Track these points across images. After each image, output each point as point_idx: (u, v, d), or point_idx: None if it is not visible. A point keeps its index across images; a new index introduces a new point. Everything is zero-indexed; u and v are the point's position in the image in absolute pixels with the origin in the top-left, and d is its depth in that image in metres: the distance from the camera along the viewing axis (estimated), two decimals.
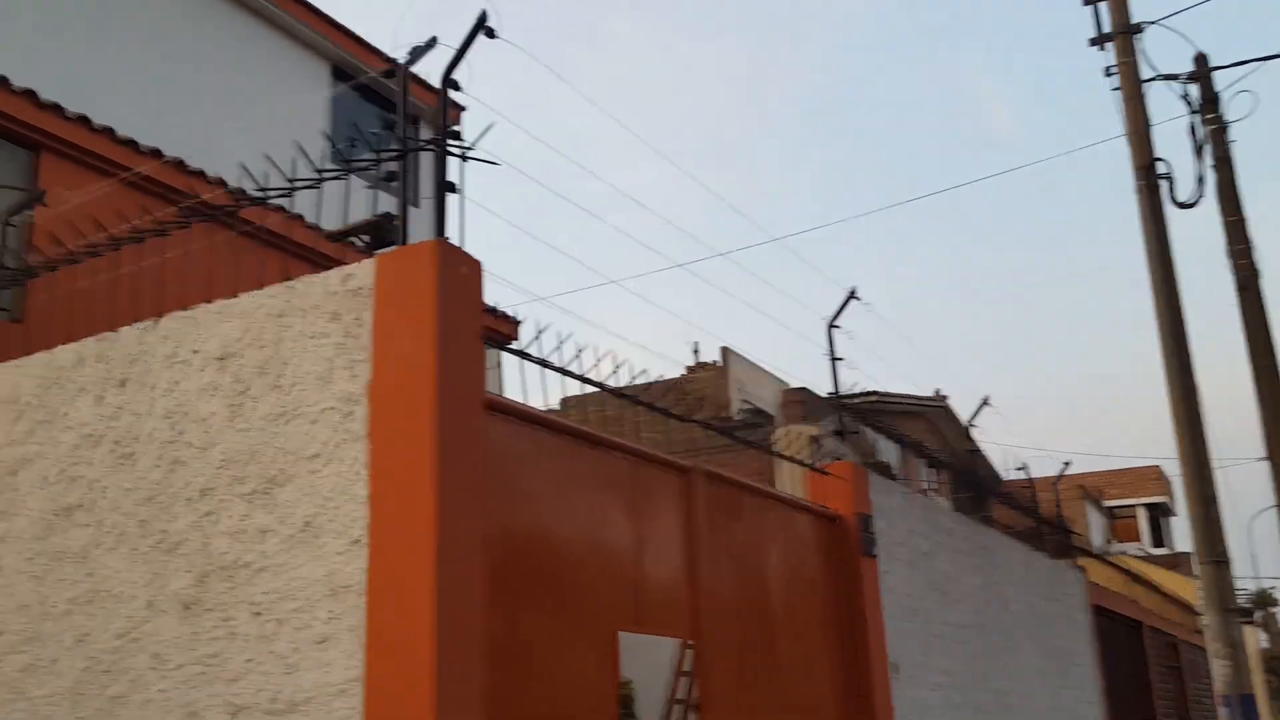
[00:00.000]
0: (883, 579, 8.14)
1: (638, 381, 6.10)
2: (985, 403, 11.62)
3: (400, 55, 4.88)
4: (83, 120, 9.55)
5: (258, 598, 4.62)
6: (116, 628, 4.97)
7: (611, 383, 5.80)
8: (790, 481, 8.58)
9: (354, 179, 5.10)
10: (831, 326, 8.11)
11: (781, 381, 22.20)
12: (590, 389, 5.69)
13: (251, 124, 12.67)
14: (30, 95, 9.19)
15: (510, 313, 10.49)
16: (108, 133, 9.72)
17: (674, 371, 24.03)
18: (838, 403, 8.26)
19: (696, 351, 25.07)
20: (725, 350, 22.56)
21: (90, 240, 5.71)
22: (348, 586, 4.40)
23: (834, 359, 8.10)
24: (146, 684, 4.81)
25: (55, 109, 9.35)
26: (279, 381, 4.82)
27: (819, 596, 7.52)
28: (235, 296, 5.05)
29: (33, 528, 5.39)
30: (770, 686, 6.73)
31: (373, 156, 4.84)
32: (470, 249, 4.72)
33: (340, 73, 14.41)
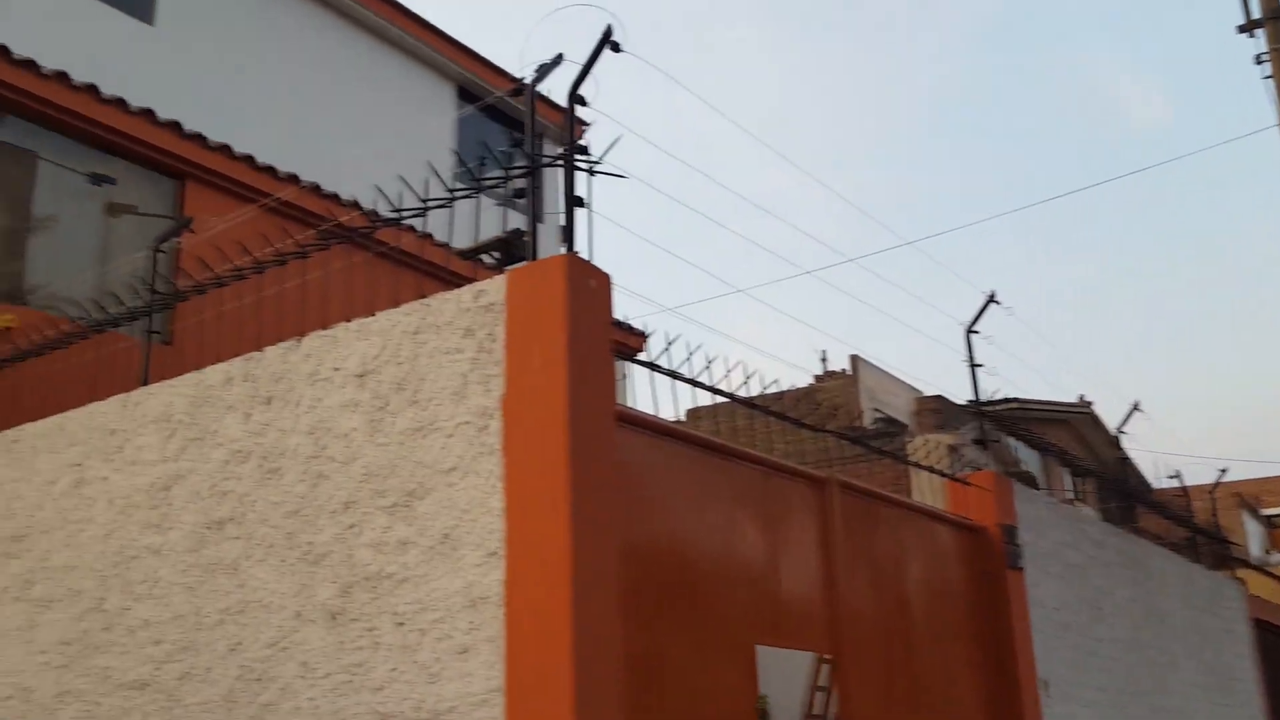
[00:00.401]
0: (1031, 592, 7.89)
1: (768, 391, 6.05)
2: (1135, 408, 11.20)
3: (527, 73, 4.93)
4: (224, 149, 9.94)
5: (400, 608, 4.71)
6: (267, 637, 5.12)
7: (741, 393, 5.76)
8: (930, 492, 8.41)
9: (484, 197, 5.18)
10: (970, 332, 7.91)
11: (914, 389, 21.80)
12: (718, 399, 5.67)
13: (381, 146, 13.02)
14: (175, 127, 9.61)
15: (637, 325, 10.55)
16: (247, 160, 10.11)
17: (802, 381, 23.83)
18: (977, 410, 8.05)
19: (825, 360, 24.83)
20: (855, 358, 22.26)
21: (234, 264, 5.92)
22: (486, 598, 4.46)
23: (973, 365, 7.89)
24: (296, 692, 4.94)
25: (198, 139, 9.76)
26: (416, 397, 4.91)
27: (962, 611, 7.33)
28: (373, 315, 5.18)
29: (186, 540, 5.60)
30: (912, 703, 6.58)
31: (501, 174, 4.90)
32: (599, 262, 4.76)
33: (465, 93, 14.71)
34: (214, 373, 5.73)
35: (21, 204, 8.76)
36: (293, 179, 10.38)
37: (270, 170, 10.22)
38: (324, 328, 5.39)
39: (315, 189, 10.30)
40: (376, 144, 13.05)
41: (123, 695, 5.64)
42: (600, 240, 4.86)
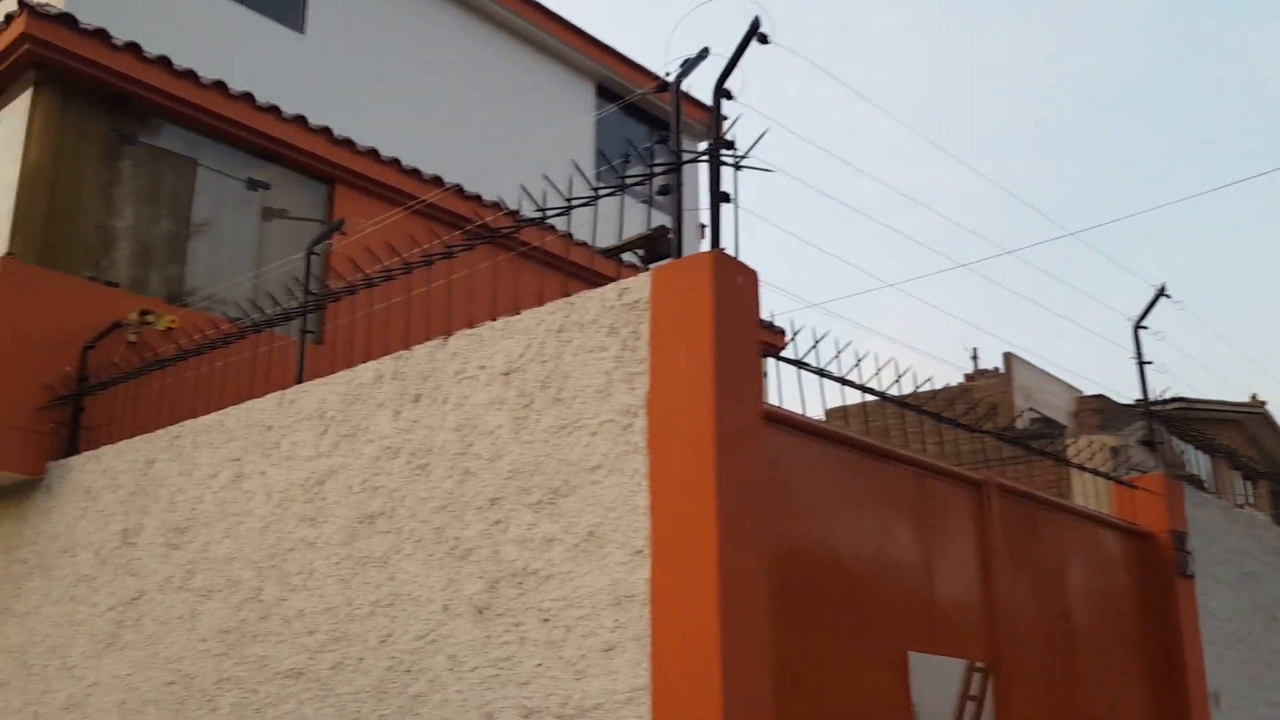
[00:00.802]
0: (1201, 601, 7.49)
1: (920, 390, 5.86)
2: None
3: (670, 69, 4.87)
4: (372, 153, 10.17)
5: (546, 604, 4.71)
6: (416, 630, 5.19)
7: (891, 392, 5.59)
8: (1093, 496, 8.06)
9: (626, 196, 5.14)
10: (1138, 328, 7.53)
11: (1073, 388, 21.02)
12: (862, 398, 5.51)
13: (523, 145, 13.15)
14: (326, 133, 9.86)
15: (777, 323, 10.40)
16: (394, 163, 10.32)
17: (952, 379, 23.24)
18: (1145, 410, 7.66)
19: (976, 358, 24.17)
20: (1009, 356, 21.58)
21: (383, 265, 6.02)
22: (631, 596, 4.42)
23: (1141, 363, 7.51)
24: (444, 684, 4.99)
25: (348, 144, 10.00)
26: (560, 395, 4.90)
27: (1127, 619, 6.99)
28: (517, 314, 5.19)
29: (339, 534, 5.72)
30: (1074, 714, 6.29)
31: (645, 172, 4.85)
32: (744, 258, 4.66)
33: (605, 91, 14.76)
34: (365, 371, 5.84)
35: (182, 210, 9.11)
36: (437, 181, 10.56)
37: (415, 173, 10.41)
38: (470, 327, 5.43)
39: (459, 191, 10.46)
40: (518, 144, 13.20)
41: (279, 683, 5.78)
42: (743, 236, 4.75)
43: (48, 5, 8.45)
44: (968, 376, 22.48)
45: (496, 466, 5.07)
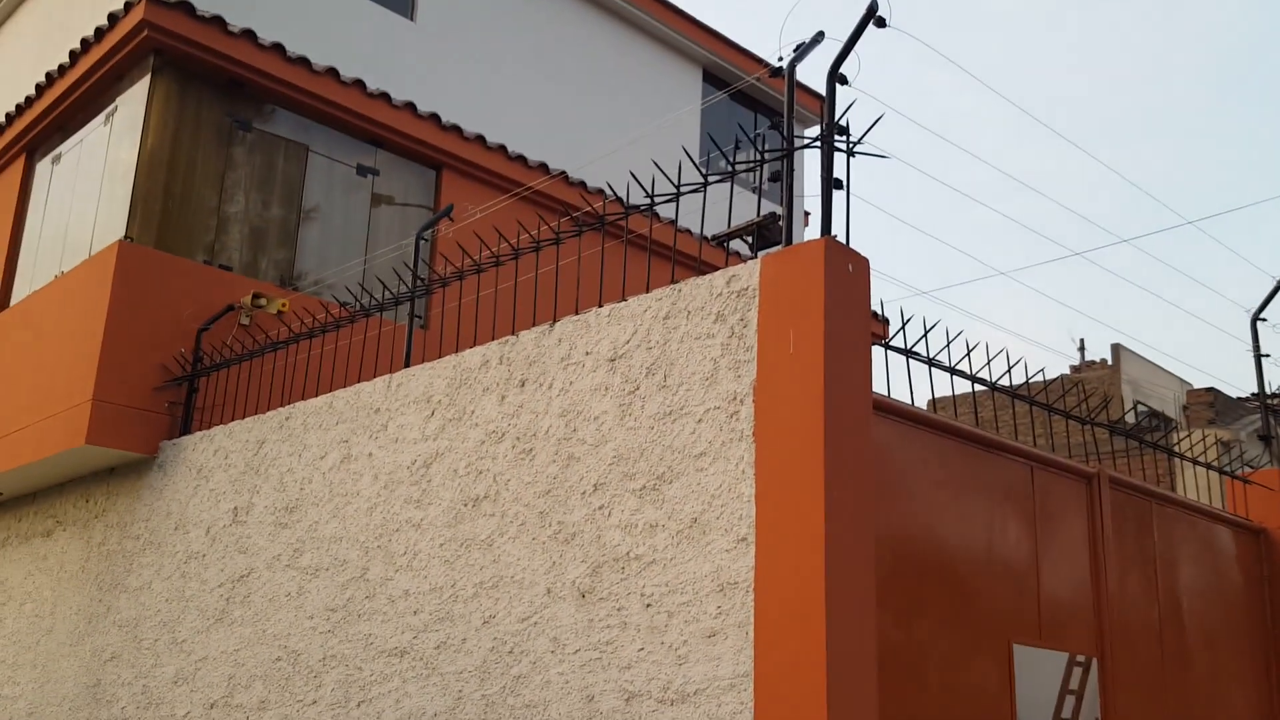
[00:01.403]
0: None
1: (1031, 381, 5.75)
2: None
3: (784, 54, 4.84)
4: (479, 140, 10.27)
5: (648, 589, 4.73)
6: (519, 612, 5.25)
7: (1000, 382, 5.50)
8: (1204, 490, 7.85)
9: (735, 183, 5.11)
10: (1256, 319, 7.30)
11: (1183, 381, 20.45)
12: (965, 388, 5.42)
13: (629, 131, 13.17)
14: (435, 119, 9.99)
15: (884, 310, 10.29)
16: (501, 150, 10.40)
17: (1059, 370, 22.75)
18: (1262, 403, 7.43)
19: (1082, 349, 23.64)
20: (1117, 347, 21.06)
21: (491, 251, 6.08)
22: (735, 583, 4.42)
23: (1259, 355, 7.28)
24: (546, 666, 5.05)
25: (456, 130, 10.11)
26: (666, 381, 4.91)
27: (1239, 616, 6.80)
28: (624, 300, 5.21)
29: (444, 516, 5.81)
30: (1182, 710, 6.15)
31: (755, 159, 4.82)
32: (854, 245, 4.62)
33: (711, 76, 14.72)
34: (472, 355, 5.91)
35: (293, 194, 9.31)
36: (543, 168, 10.64)
37: (521, 159, 10.49)
38: (576, 313, 5.46)
39: (565, 178, 10.52)
40: (624, 129, 13.23)
41: (384, 661, 5.90)
42: (852, 221, 4.70)
43: None
44: (1074, 368, 22.00)
45: (601, 452, 5.10)
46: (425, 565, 5.83)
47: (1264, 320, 7.32)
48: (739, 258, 5.18)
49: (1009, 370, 5.43)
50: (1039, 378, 5.50)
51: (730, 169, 4.87)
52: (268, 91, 9.15)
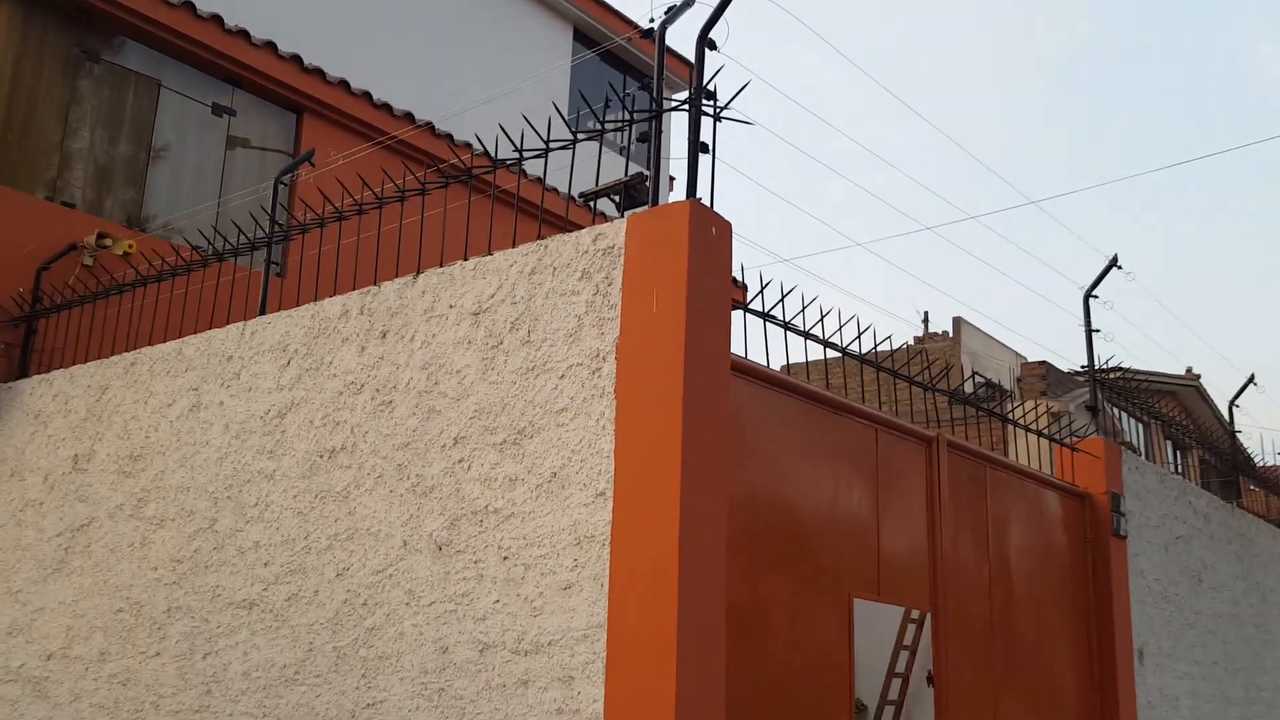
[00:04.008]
0: (1132, 562, 7.75)
1: (879, 349, 5.97)
2: (1250, 381, 10.85)
3: (656, 14, 4.88)
4: (343, 84, 10.05)
5: (506, 542, 4.78)
6: (374, 564, 5.24)
7: (851, 348, 5.70)
8: (1034, 458, 8.27)
9: (605, 143, 5.15)
10: (1089, 296, 7.71)
11: (1018, 354, 21.40)
12: (812, 356, 5.60)
13: (497, 85, 13.04)
14: (296, 60, 9.73)
15: (737, 276, 10.47)
16: (365, 97, 10.20)
17: (904, 340, 23.52)
18: (1091, 376, 7.85)
19: (926, 321, 24.50)
20: (958, 320, 21.91)
21: (355, 199, 5.99)
22: (592, 537, 4.50)
23: (1089, 330, 7.70)
24: (400, 618, 5.06)
25: (318, 73, 9.87)
26: (530, 337, 4.94)
27: (1063, 576, 7.23)
28: (490, 254, 5.21)
29: (298, 468, 5.74)
30: (1009, 663, 6.52)
31: (624, 119, 4.87)
32: (719, 209, 4.71)
33: (581, 34, 14.66)
34: (331, 305, 5.83)
35: (144, 132, 8.97)
36: (409, 117, 10.47)
37: (386, 107, 10.31)
38: (440, 266, 5.44)
39: (432, 129, 10.38)
40: (494, 84, 13.09)
41: (231, 613, 5.82)
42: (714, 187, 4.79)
43: None
44: (918, 339, 22.81)
45: (462, 406, 5.11)
46: (277, 517, 5.76)
47: (1095, 297, 7.74)
48: (604, 218, 5.23)
49: (858, 337, 5.63)
50: (886, 345, 5.72)
51: (600, 127, 4.90)
52: (118, 22, 8.77)
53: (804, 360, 5.92)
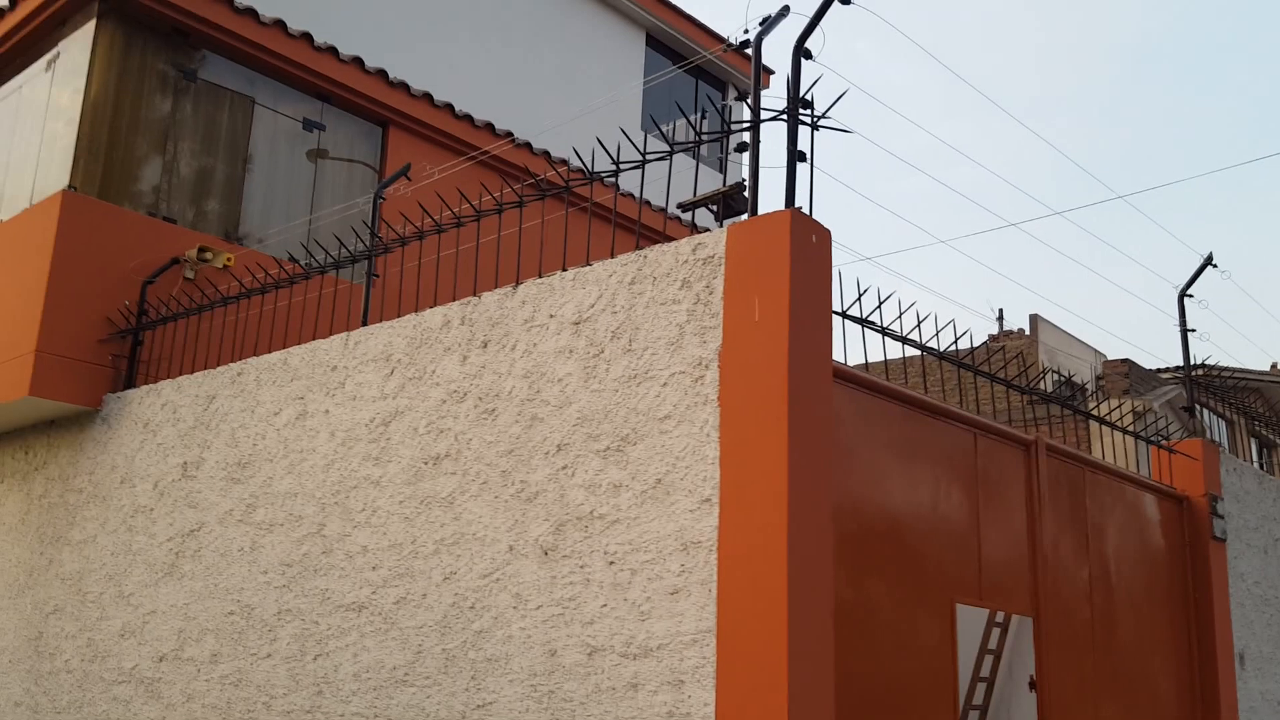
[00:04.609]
0: (1231, 565, 7.65)
1: (959, 347, 5.98)
2: None
3: (751, 25, 4.95)
4: (426, 97, 10.24)
5: (611, 548, 4.87)
6: (481, 568, 5.36)
7: (931, 345, 5.69)
8: (1119, 457, 8.19)
9: (678, 151, 5.22)
10: (1183, 296, 7.62)
11: (1098, 351, 21.09)
12: (902, 350, 5.62)
13: (573, 92, 13.20)
14: (382, 75, 9.93)
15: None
16: (448, 109, 10.38)
17: (979, 337, 23.31)
18: (1186, 377, 7.76)
19: (1001, 319, 24.22)
20: (1034, 317, 21.63)
21: (453, 212, 6.13)
22: (698, 542, 4.57)
23: (1185, 331, 7.61)
24: (508, 621, 5.17)
25: (403, 87, 10.07)
26: (631, 346, 5.03)
27: (1162, 579, 7.16)
28: (589, 265, 5.31)
29: (404, 474, 5.88)
30: (1109, 666, 6.48)
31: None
32: (816, 216, 4.77)
33: (653, 39, 14.75)
34: (432, 315, 5.97)
35: (239, 147, 9.22)
36: (489, 127, 10.64)
37: (468, 118, 10.48)
38: (539, 277, 5.55)
39: (522, 143, 10.54)
40: (567, 89, 13.25)
41: (341, 615, 5.98)
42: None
43: None
44: (992, 337, 22.57)
45: (565, 413, 5.22)
46: (384, 522, 5.91)
47: (1190, 296, 7.65)
48: (694, 229, 5.31)
49: (955, 341, 5.64)
50: (965, 342, 5.73)
51: (697, 139, 4.98)
52: (214, 41, 9.03)
53: (884, 360, 5.93)
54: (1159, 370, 20.41)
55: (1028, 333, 22.24)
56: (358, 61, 9.71)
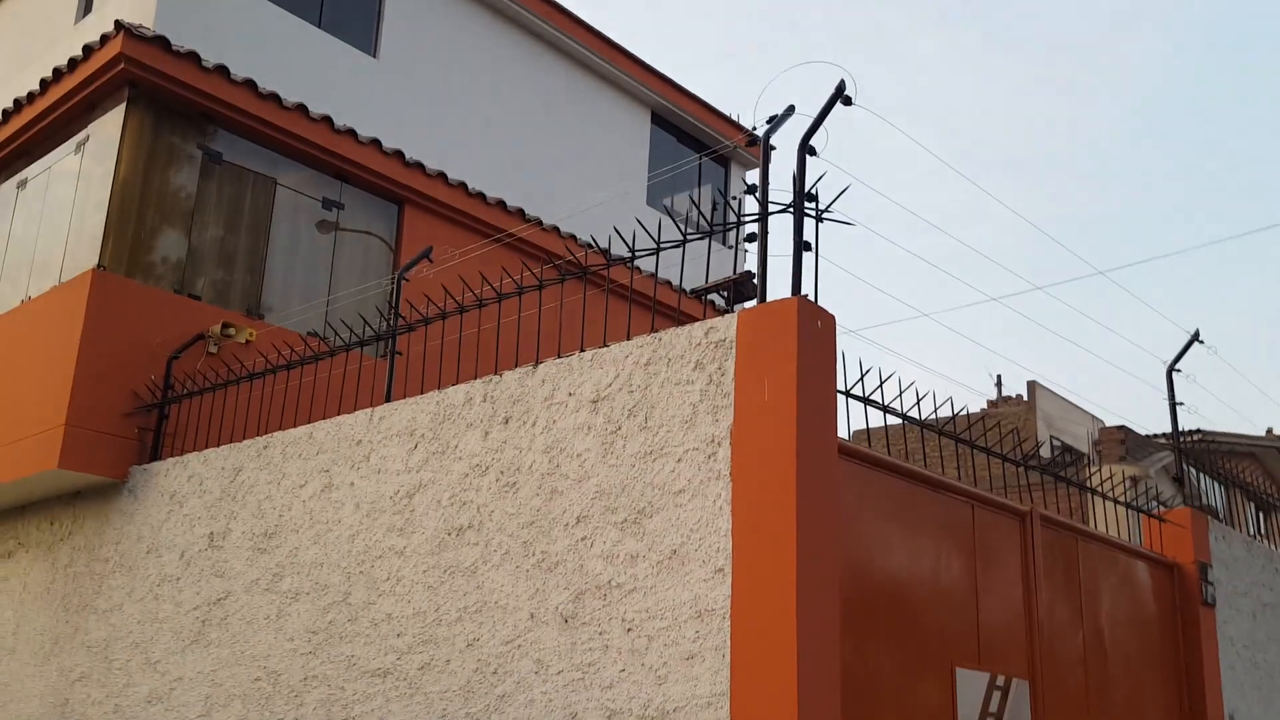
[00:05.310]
0: (1221, 629, 7.91)
1: (946, 415, 6.27)
2: None
3: (759, 122, 5.32)
4: (441, 176, 10.64)
5: (629, 615, 5.14)
6: (503, 635, 5.62)
7: (915, 415, 5.98)
8: (1112, 523, 8.45)
9: (690, 237, 5.57)
10: (1172, 371, 7.96)
11: (1095, 418, 21.40)
12: (884, 419, 5.90)
13: (581, 168, 13.65)
14: (399, 155, 10.34)
15: None
16: (461, 187, 10.78)
17: (974, 405, 23.63)
18: (1176, 447, 8.07)
19: (999, 385, 24.56)
20: (1032, 384, 21.98)
21: (474, 293, 6.46)
22: (713, 610, 4.85)
23: (1173, 404, 7.94)
24: (530, 686, 5.43)
25: (419, 167, 10.48)
26: (647, 423, 5.34)
27: (1154, 643, 7.42)
28: (606, 346, 5.64)
29: (428, 544, 6.16)
30: None
31: (731, 222, 5.29)
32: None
33: (658, 116, 15.24)
34: (455, 393, 6.28)
35: (261, 226, 9.59)
36: (500, 204, 11.03)
37: (481, 196, 10.88)
38: (557, 356, 5.87)
39: (538, 222, 10.94)
40: (576, 166, 13.70)
41: (366, 681, 6.22)
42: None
43: (143, 27, 8.92)
44: (991, 403, 22.90)
45: (584, 487, 5.51)
46: (408, 590, 6.17)
47: (1179, 371, 7.99)
48: (714, 306, 5.64)
49: (953, 418, 5.95)
50: (952, 412, 6.03)
51: (710, 229, 5.33)
52: (238, 125, 9.43)
53: (866, 428, 6.21)
54: (1155, 436, 20.76)
55: (1025, 399, 22.58)
56: (375, 143, 10.12)
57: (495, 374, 6.14)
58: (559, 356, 5.86)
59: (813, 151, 5.15)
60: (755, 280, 5.16)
